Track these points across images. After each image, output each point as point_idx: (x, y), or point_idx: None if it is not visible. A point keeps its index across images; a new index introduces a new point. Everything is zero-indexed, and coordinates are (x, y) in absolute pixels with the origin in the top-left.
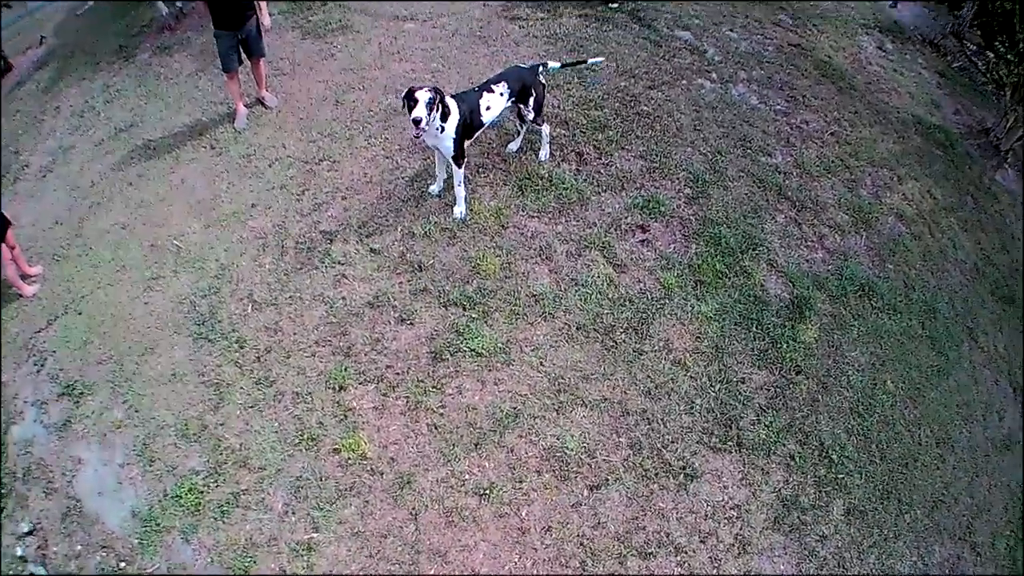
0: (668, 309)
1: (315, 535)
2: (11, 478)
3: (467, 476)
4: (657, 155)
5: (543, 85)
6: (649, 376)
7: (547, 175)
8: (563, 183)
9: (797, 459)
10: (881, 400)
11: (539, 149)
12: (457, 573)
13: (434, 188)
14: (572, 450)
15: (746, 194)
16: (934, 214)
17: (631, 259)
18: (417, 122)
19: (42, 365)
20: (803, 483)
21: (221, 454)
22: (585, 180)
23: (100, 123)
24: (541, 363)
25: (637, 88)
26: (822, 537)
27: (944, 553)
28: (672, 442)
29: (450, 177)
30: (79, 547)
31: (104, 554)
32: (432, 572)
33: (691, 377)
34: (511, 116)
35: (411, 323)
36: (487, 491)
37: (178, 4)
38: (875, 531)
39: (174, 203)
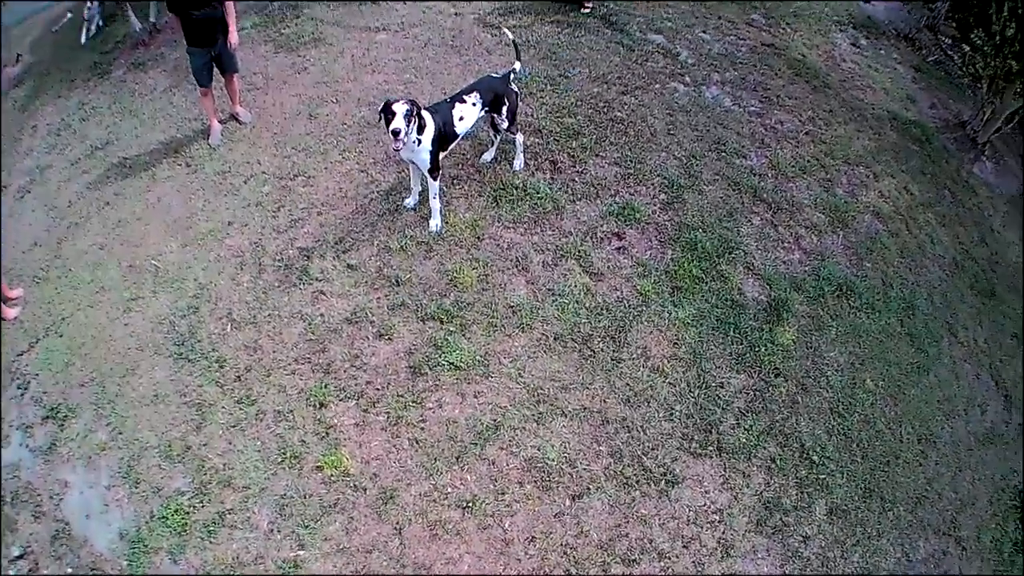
0: (645, 316)
1: (301, 552)
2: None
3: (450, 489)
4: (631, 161)
5: (516, 93)
6: (628, 384)
7: (522, 185)
8: (538, 192)
9: (778, 461)
10: (861, 399)
11: (513, 159)
12: None
13: (410, 201)
14: (553, 460)
15: (721, 197)
16: (911, 210)
17: (607, 267)
18: (396, 134)
19: (26, 388)
20: (785, 485)
21: (205, 474)
22: (560, 189)
23: (76, 141)
24: (520, 374)
25: (610, 94)
26: (805, 538)
27: (929, 548)
28: (652, 449)
29: (425, 190)
30: (69, 569)
31: None
32: None
33: (670, 383)
34: (485, 126)
35: (389, 338)
36: (470, 504)
37: (151, 20)
38: (858, 529)
39: (151, 222)
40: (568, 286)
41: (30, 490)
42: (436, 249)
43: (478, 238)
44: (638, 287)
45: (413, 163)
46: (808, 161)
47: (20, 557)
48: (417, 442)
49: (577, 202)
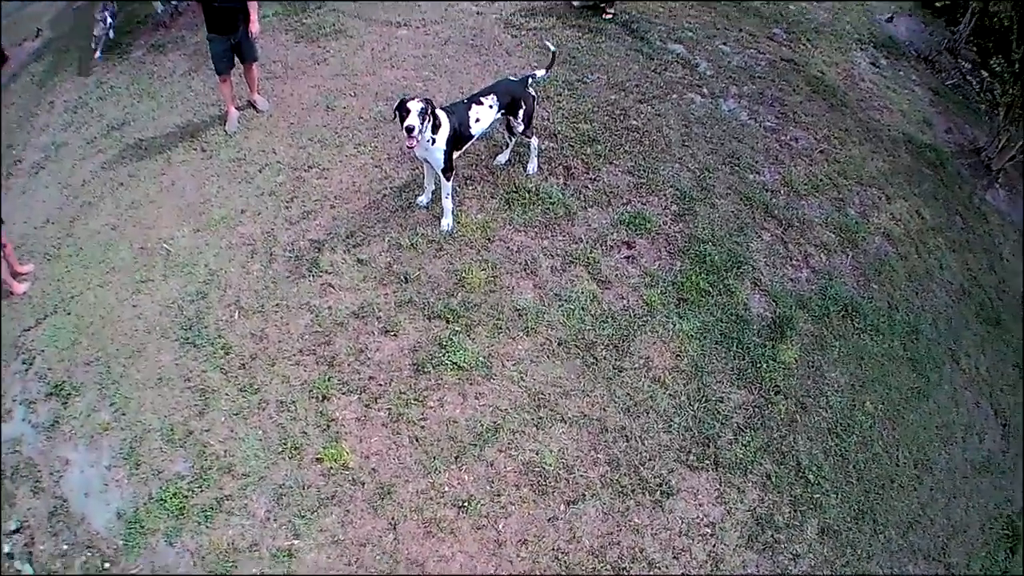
0: (650, 326)
1: (296, 542)
2: None
3: (446, 488)
4: (645, 171)
5: (533, 98)
6: (628, 393)
7: (535, 189)
8: (550, 197)
9: (773, 478)
10: (860, 421)
11: (527, 162)
12: None
13: (423, 199)
14: (550, 465)
15: (733, 212)
16: (921, 234)
17: (615, 275)
18: (410, 131)
19: (30, 364)
20: (778, 502)
21: (206, 459)
22: (572, 195)
23: (93, 120)
24: (522, 378)
25: (627, 102)
26: (795, 556)
27: (918, 573)
28: (649, 459)
29: (438, 188)
30: (65, 546)
31: (89, 554)
32: None
33: (670, 395)
34: (500, 128)
35: (395, 335)
36: (466, 503)
37: (173, 3)
38: (848, 551)
39: (164, 205)
40: (575, 292)
41: (30, 465)
42: (446, 248)
43: (488, 239)
44: (644, 297)
45: (427, 161)
46: (821, 179)
47: (16, 531)
48: (417, 440)
49: (589, 209)
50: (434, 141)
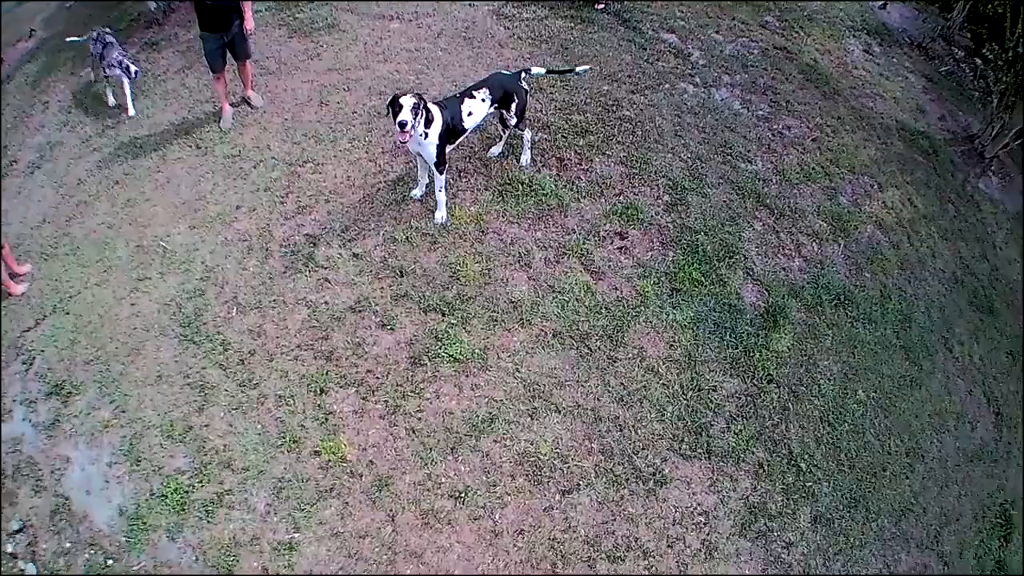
0: (643, 317)
1: (296, 535)
2: (1, 476)
3: (443, 479)
4: (637, 161)
5: (526, 91)
6: (622, 383)
7: (528, 181)
8: (543, 189)
9: (766, 467)
10: (852, 409)
11: (521, 154)
12: (432, 573)
13: (416, 192)
14: (545, 455)
15: (725, 201)
16: (914, 222)
17: (608, 266)
18: (403, 125)
19: (30, 364)
20: (771, 490)
21: (206, 455)
22: (565, 186)
23: (87, 119)
24: (517, 369)
25: (620, 92)
26: (788, 544)
27: (911, 562)
28: (643, 448)
29: (432, 182)
30: (68, 544)
31: (92, 551)
32: (408, 572)
33: (663, 385)
34: (494, 120)
35: (391, 328)
36: (462, 494)
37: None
38: (841, 539)
39: (160, 203)
40: (569, 284)
41: (31, 464)
42: (440, 241)
43: (482, 232)
44: (638, 287)
45: (420, 155)
46: (813, 168)
47: (19, 531)
48: (414, 431)
49: (581, 200)
50: (427, 135)
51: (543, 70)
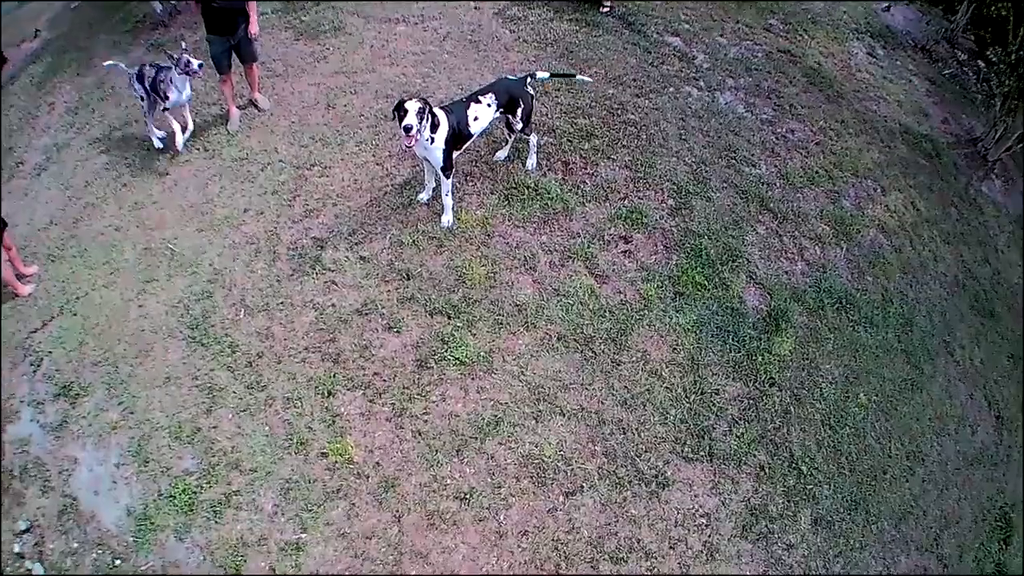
0: (647, 320)
1: (303, 535)
2: (8, 476)
3: (449, 481)
4: (642, 165)
5: (531, 96)
6: (626, 386)
7: (533, 185)
8: (549, 193)
9: (767, 469)
10: (853, 413)
11: (526, 158)
12: (438, 574)
13: (423, 196)
14: (549, 457)
15: (728, 205)
16: (916, 226)
17: (613, 270)
18: (408, 130)
19: (38, 365)
20: (772, 493)
21: (214, 456)
22: (570, 190)
23: (94, 120)
24: (522, 372)
25: (625, 96)
26: (789, 546)
27: (910, 564)
28: (646, 451)
29: (439, 185)
30: (75, 544)
31: (100, 552)
32: (414, 572)
33: (666, 388)
34: (500, 125)
35: (398, 331)
36: (467, 496)
37: (171, 2)
38: (841, 541)
39: (167, 206)
40: (573, 287)
41: (39, 465)
42: (447, 244)
43: (488, 235)
44: (641, 291)
45: (427, 160)
46: (817, 172)
47: (26, 531)
48: (420, 434)
49: (586, 204)
50: (433, 140)
51: (547, 74)
